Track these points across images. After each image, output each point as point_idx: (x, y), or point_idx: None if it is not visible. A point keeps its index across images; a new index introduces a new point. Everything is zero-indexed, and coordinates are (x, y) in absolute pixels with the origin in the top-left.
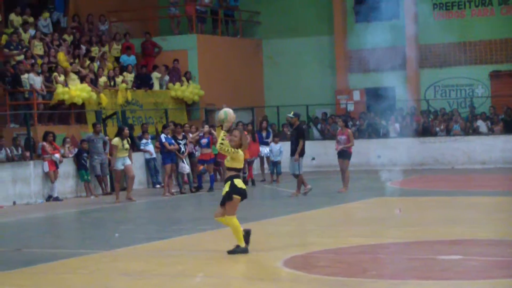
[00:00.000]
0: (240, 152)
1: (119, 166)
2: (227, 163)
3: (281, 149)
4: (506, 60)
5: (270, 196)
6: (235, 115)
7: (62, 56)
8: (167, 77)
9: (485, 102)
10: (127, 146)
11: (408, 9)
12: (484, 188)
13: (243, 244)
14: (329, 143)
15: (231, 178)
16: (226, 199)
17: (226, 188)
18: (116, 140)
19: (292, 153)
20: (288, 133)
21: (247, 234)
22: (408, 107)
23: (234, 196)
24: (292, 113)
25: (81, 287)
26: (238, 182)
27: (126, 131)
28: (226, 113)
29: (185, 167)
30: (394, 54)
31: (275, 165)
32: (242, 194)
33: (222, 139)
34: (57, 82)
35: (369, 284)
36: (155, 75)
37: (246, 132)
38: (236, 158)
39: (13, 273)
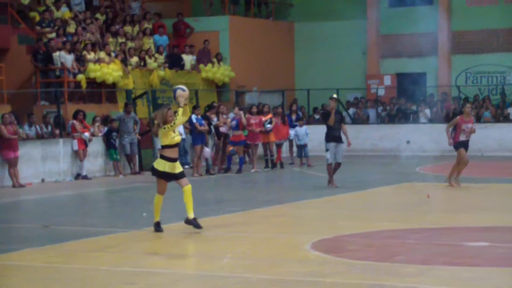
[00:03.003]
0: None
1: None
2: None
3: (307, 132)
4: None
5: (299, 179)
6: (184, 92)
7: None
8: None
9: None
10: None
11: None
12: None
13: (158, 219)
14: (360, 128)
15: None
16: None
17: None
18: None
19: (336, 139)
20: (316, 117)
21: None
22: (439, 93)
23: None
24: (334, 95)
25: (110, 265)
26: (156, 163)
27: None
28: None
29: (208, 151)
30: (426, 39)
31: (302, 148)
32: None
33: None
34: (87, 61)
35: (397, 269)
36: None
37: (270, 115)
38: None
39: (42, 249)
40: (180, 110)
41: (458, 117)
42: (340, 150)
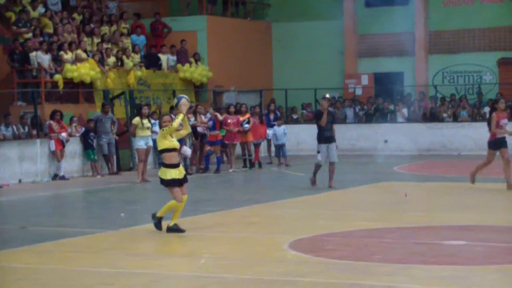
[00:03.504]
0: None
1: (143, 145)
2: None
3: (285, 132)
4: None
5: (277, 179)
6: (188, 103)
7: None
8: (173, 58)
9: (492, 89)
10: (148, 125)
11: None
12: (490, 175)
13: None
14: (338, 127)
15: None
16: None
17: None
18: (136, 119)
19: (328, 139)
20: (294, 117)
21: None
22: (416, 92)
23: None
24: (327, 94)
25: (88, 266)
26: (161, 172)
27: (145, 110)
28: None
29: (187, 150)
30: (403, 39)
31: (280, 148)
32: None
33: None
34: (64, 61)
35: (375, 268)
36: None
37: (248, 115)
38: None
39: (19, 250)
40: (180, 116)
41: (494, 114)
42: (332, 150)
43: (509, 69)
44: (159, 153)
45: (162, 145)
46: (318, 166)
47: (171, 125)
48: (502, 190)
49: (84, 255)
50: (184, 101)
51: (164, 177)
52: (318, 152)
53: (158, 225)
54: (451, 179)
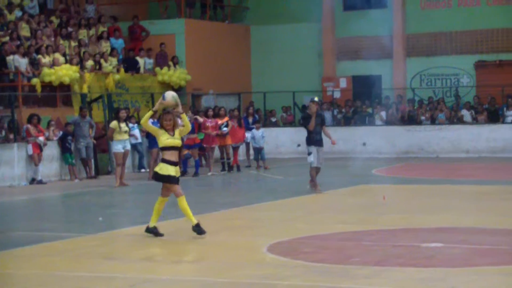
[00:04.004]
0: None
1: (120, 149)
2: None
3: (263, 135)
4: (491, 50)
5: (256, 182)
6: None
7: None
8: (150, 61)
9: (470, 91)
10: (125, 128)
11: None
12: (468, 177)
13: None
14: None
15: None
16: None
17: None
18: (113, 123)
19: (318, 143)
20: (273, 120)
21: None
22: (394, 95)
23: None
24: (316, 98)
25: (66, 271)
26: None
27: (123, 113)
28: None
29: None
30: (381, 42)
31: (258, 151)
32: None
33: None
34: (41, 65)
35: (353, 271)
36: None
37: (226, 118)
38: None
39: None
40: (184, 117)
41: None
42: (320, 154)
43: (486, 71)
44: (160, 150)
45: (159, 142)
46: (312, 168)
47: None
48: (480, 192)
49: (62, 260)
50: (170, 99)
51: (159, 171)
52: (310, 153)
53: (157, 233)
54: (429, 181)
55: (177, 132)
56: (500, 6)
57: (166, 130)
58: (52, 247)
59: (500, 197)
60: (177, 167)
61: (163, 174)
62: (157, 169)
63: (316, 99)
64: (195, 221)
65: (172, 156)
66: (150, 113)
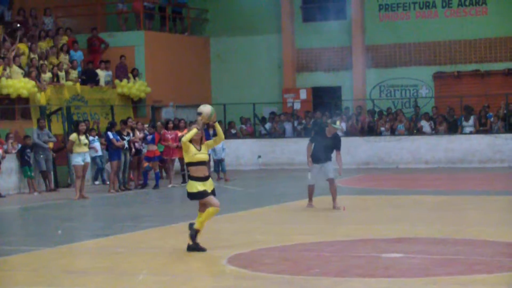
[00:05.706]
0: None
1: (80, 161)
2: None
3: (224, 147)
4: (449, 62)
5: (216, 194)
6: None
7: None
8: (109, 73)
9: (428, 102)
10: (85, 141)
11: (355, 10)
12: (428, 187)
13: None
14: (276, 141)
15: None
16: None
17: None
18: (73, 136)
19: (321, 160)
20: (233, 132)
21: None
22: (354, 106)
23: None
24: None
25: (24, 285)
26: (189, 186)
27: (83, 126)
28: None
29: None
30: (340, 54)
31: (219, 163)
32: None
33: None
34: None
35: (313, 282)
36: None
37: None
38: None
39: None
40: (194, 130)
41: None
42: (328, 167)
43: (444, 82)
44: (186, 165)
45: (186, 158)
46: (310, 186)
47: (184, 137)
48: (439, 202)
49: (20, 273)
50: (207, 109)
51: (189, 190)
52: (309, 171)
53: (194, 237)
54: (389, 192)
55: (203, 147)
56: (457, 18)
57: (194, 145)
58: (10, 261)
59: (459, 207)
60: (206, 181)
61: (190, 191)
62: (187, 188)
63: (338, 125)
64: (199, 228)
65: (199, 171)
66: (194, 131)
